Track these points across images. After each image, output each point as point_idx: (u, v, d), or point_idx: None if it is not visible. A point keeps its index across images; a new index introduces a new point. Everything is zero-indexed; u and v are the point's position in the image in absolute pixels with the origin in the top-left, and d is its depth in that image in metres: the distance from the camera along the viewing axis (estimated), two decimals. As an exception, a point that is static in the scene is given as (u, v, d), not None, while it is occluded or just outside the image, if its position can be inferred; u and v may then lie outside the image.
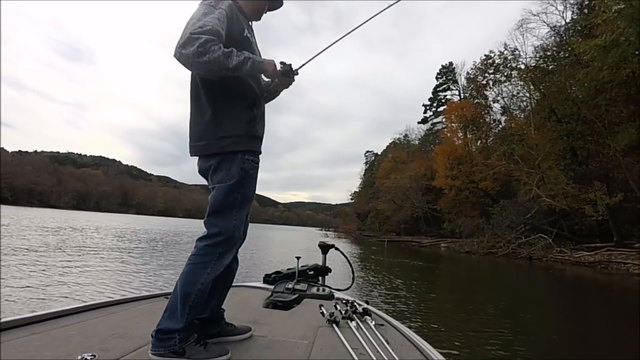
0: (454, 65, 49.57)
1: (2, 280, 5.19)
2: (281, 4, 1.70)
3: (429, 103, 52.89)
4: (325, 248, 2.81)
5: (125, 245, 12.69)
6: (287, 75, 1.47)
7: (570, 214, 19.51)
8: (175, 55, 1.21)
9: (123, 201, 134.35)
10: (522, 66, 24.68)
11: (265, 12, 1.65)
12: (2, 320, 1.35)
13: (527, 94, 26.79)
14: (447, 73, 51.11)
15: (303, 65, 1.52)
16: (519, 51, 25.26)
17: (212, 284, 1.37)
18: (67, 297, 4.72)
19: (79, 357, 1.10)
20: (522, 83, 26.04)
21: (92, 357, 1.11)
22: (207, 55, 1.19)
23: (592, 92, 18.16)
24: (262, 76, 1.55)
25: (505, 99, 27.41)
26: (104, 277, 6.36)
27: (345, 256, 2.77)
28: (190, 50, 1.18)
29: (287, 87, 1.60)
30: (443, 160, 34.30)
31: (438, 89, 51.51)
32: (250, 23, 1.57)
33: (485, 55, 27.67)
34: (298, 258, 2.62)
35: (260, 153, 1.46)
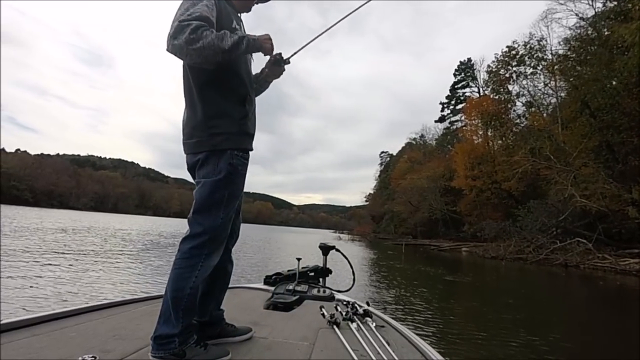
0: (472, 62, 47.63)
1: (3, 282, 5.15)
2: None
3: (446, 101, 51.10)
4: (325, 249, 2.75)
5: (128, 246, 12.23)
6: (278, 64, 1.48)
7: (608, 216, 17.63)
8: (168, 48, 1.15)
9: (140, 203, 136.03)
10: (549, 56, 22.93)
11: (256, 4, 1.59)
12: (3, 321, 1.34)
13: (553, 88, 24.99)
14: (465, 69, 49.19)
15: (294, 54, 1.49)
16: (545, 41, 23.55)
17: (209, 287, 1.42)
18: (67, 299, 4.66)
19: (80, 359, 1.09)
20: (549, 75, 24.27)
21: (93, 358, 1.10)
22: (200, 41, 1.13)
23: (635, 80, 16.35)
24: (251, 69, 1.53)
25: (531, 92, 25.54)
26: (104, 278, 6.28)
27: (345, 257, 2.69)
28: (182, 39, 1.12)
29: (277, 77, 1.57)
30: (463, 160, 32.61)
31: (456, 86, 49.63)
32: (239, 15, 1.51)
33: (507, 46, 26.01)
34: (299, 259, 2.59)
35: (251, 150, 1.41)
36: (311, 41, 1.54)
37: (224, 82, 1.32)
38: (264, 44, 1.33)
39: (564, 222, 17.96)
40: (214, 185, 1.30)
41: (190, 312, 1.28)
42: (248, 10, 1.56)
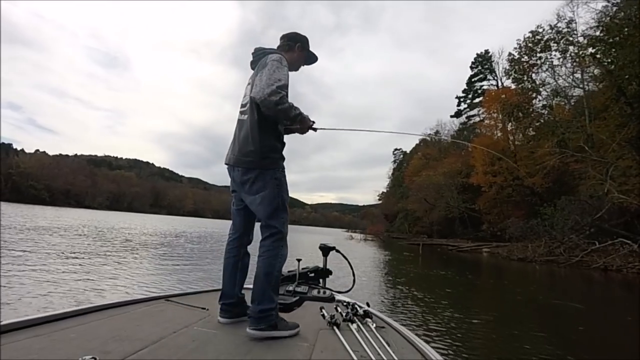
0: (490, 54, 45.45)
1: (3, 281, 5.12)
2: (316, 60, 2.19)
3: (463, 95, 49.06)
4: (325, 250, 2.69)
5: (130, 247, 11.97)
6: (309, 129, 2.00)
7: (649, 213, 15.81)
8: (259, 97, 1.66)
9: (155, 202, 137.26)
10: (581, 39, 20.98)
11: (303, 65, 2.17)
12: (3, 322, 1.34)
13: (576, 80, 23.06)
14: (482, 62, 47.05)
15: (323, 129, 2.04)
16: (575, 23, 21.59)
17: (235, 277, 1.84)
18: (68, 300, 4.63)
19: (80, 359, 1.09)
20: (576, 63, 22.35)
21: (93, 359, 1.10)
22: (281, 105, 1.65)
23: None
24: None
25: (556, 80, 23.59)
26: (105, 279, 6.23)
27: (346, 258, 2.58)
28: (274, 100, 1.63)
29: (302, 134, 2.04)
30: (482, 155, 30.81)
31: (473, 79, 47.51)
32: None
33: (531, 31, 24.04)
34: (299, 260, 2.58)
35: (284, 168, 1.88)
36: (338, 129, 2.32)
37: (274, 125, 1.81)
38: (306, 124, 1.92)
39: (599, 221, 16.21)
40: (270, 196, 1.73)
41: (277, 290, 1.69)
42: (296, 69, 2.13)
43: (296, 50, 2.06)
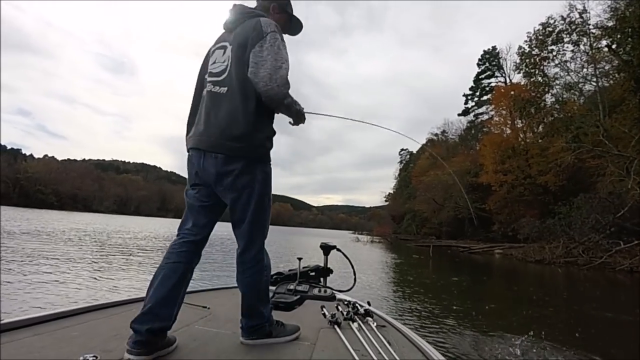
0: (497, 50, 44.43)
1: (4, 280, 5.13)
2: (300, 28, 1.76)
3: (470, 92, 48.03)
4: (326, 249, 2.72)
5: (131, 247, 12.09)
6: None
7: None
8: (267, 86, 1.33)
9: (162, 205, 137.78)
10: (594, 31, 20.06)
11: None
12: (5, 321, 1.33)
13: (585, 75, 22.09)
14: (490, 59, 46.07)
15: (313, 113, 1.75)
16: (588, 13, 20.65)
17: (179, 289, 1.37)
18: (69, 299, 4.60)
19: (81, 358, 1.08)
20: (590, 57, 21.42)
21: (94, 357, 1.10)
22: (287, 99, 1.40)
23: None
24: None
25: (570, 73, 22.65)
26: (106, 278, 6.23)
27: (347, 257, 2.64)
28: (284, 92, 1.36)
29: (294, 125, 1.72)
30: (492, 153, 29.93)
31: (480, 77, 46.50)
32: None
33: (541, 23, 23.09)
34: (300, 259, 2.58)
35: None
36: (322, 114, 1.98)
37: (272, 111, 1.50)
38: (303, 118, 1.61)
39: (620, 220, 15.26)
40: (258, 195, 1.42)
41: (267, 299, 1.54)
42: None
43: (271, 12, 1.62)
